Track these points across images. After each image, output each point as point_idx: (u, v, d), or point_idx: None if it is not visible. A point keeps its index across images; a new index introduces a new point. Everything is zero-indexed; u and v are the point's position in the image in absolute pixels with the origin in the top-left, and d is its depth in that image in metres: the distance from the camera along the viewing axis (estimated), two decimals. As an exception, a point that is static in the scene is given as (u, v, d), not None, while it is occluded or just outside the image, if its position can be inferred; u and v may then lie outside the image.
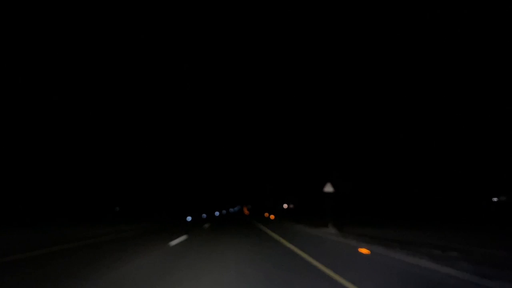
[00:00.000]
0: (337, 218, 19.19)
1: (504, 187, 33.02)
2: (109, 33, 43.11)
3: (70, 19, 34.29)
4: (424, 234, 13.49)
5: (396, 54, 34.64)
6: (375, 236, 12.41)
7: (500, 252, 7.98)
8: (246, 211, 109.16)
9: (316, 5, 42.44)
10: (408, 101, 33.70)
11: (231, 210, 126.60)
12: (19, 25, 29.65)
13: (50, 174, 31.75)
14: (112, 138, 39.73)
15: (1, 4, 26.58)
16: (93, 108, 36.25)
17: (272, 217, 42.19)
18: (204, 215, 54.97)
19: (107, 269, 6.02)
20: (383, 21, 35.27)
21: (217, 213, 73.17)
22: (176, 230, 17.00)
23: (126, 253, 8.16)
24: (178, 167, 63.46)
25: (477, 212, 30.49)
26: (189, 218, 38.32)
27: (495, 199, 36.55)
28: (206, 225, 21.77)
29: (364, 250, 8.92)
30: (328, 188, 15.83)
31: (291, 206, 76.84)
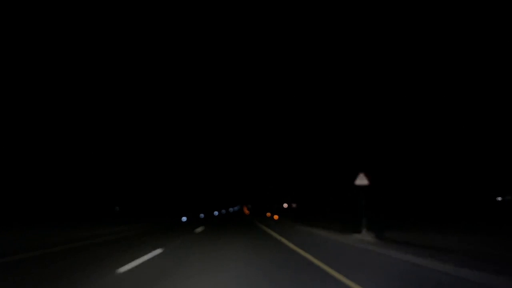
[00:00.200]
0: (354, 218, 15.01)
1: (508, 186, 32.35)
2: (109, 33, 42.72)
3: (70, 19, 33.92)
4: (474, 239, 10.00)
5: (410, 51, 33.24)
6: (428, 244, 8.33)
7: None
8: (246, 211, 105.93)
9: (316, 5, 41.75)
10: (411, 100, 32.81)
11: (231, 209, 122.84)
12: (19, 25, 29.24)
13: (49, 174, 31.10)
14: (112, 138, 39.23)
15: (1, 4, 26.15)
16: (93, 108, 35.86)
17: (276, 217, 37.95)
18: (201, 215, 51.39)
19: None
20: (382, 21, 34.47)
21: (216, 213, 70.14)
22: (157, 237, 12.77)
23: None
24: (178, 166, 62.07)
25: (492, 211, 27.67)
26: (184, 219, 34.44)
27: (499, 199, 36.46)
28: (199, 229, 17.31)
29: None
30: (362, 180, 11.49)
31: (294, 205, 73.39)
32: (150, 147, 48.32)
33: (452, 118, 30.58)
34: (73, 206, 33.11)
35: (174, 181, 61.09)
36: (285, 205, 73.12)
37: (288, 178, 69.99)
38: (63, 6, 31.39)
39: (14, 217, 22.41)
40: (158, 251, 8.42)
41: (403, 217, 25.85)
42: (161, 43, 59.69)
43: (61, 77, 32.20)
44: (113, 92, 39.10)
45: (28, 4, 28.75)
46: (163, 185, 55.63)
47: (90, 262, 6.88)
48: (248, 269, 5.92)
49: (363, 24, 38.92)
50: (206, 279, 5.02)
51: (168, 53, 60.86)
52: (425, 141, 32.50)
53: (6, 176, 26.75)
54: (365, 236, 10.93)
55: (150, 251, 8.32)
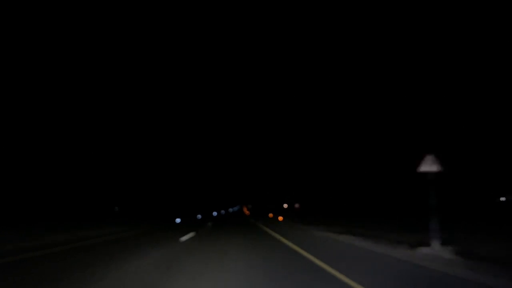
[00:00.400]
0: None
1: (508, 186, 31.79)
2: (109, 33, 42.60)
3: (71, 19, 33.71)
4: None
5: (406, 52, 33.24)
6: None
7: None
8: (246, 211, 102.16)
9: (316, 5, 42.10)
10: (414, 100, 32.38)
11: (230, 210, 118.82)
12: (19, 25, 28.91)
13: (48, 174, 30.48)
14: (111, 138, 38.74)
15: (1, 4, 25.87)
16: (93, 108, 35.48)
17: (280, 218, 33.88)
18: (199, 216, 47.35)
19: None
20: (383, 21, 34.66)
21: (215, 213, 66.45)
22: (122, 251, 8.66)
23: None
24: (177, 166, 60.95)
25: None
26: (178, 220, 30.53)
27: (503, 199, 36.03)
28: (187, 237, 13.07)
29: None
30: (429, 166, 7.38)
31: (297, 205, 69.51)
32: (149, 147, 47.69)
33: (457, 118, 30.16)
34: (71, 206, 32.05)
35: (173, 181, 59.41)
36: (285, 205, 69.98)
37: (289, 177, 67.39)
38: (63, 6, 31.33)
39: (13, 218, 21.14)
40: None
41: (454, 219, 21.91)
42: (161, 43, 59.55)
43: (61, 77, 31.95)
44: (113, 92, 38.95)
45: (28, 4, 28.48)
46: (162, 185, 54.15)
47: None
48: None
49: (363, 24, 39.31)
50: None
51: (168, 53, 60.76)
52: (427, 141, 31.46)
53: (6, 176, 26.16)
54: (440, 251, 6.86)
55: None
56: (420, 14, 31.28)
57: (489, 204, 32.36)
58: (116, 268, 6.02)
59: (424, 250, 7.19)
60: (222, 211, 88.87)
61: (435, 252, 6.90)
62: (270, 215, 51.45)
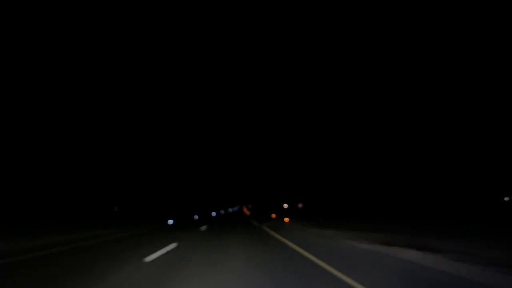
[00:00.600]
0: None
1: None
2: (109, 33, 42.26)
3: (71, 19, 33.47)
4: None
5: (406, 52, 32.75)
6: None
7: None
8: (246, 211, 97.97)
9: (316, 5, 41.66)
10: (415, 100, 31.66)
11: (230, 210, 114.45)
12: (19, 25, 28.64)
13: (48, 174, 29.67)
14: (111, 138, 38.26)
15: (1, 4, 25.92)
16: (93, 108, 35.08)
17: (286, 220, 29.51)
18: (196, 217, 43.03)
19: None
20: (382, 21, 34.25)
21: (213, 214, 62.53)
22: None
23: None
24: (176, 165, 60.11)
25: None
26: (170, 222, 26.99)
27: (506, 199, 35.61)
28: (157, 254, 8.48)
29: None
30: None
31: (300, 205, 65.55)
32: (149, 147, 47.01)
33: (460, 119, 29.29)
34: (70, 206, 31.03)
35: (173, 180, 58.26)
36: (285, 206, 67.39)
37: (290, 177, 65.53)
38: (63, 6, 31.19)
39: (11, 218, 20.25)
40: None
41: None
42: (161, 43, 58.99)
43: (61, 77, 31.52)
44: (113, 92, 38.63)
45: (28, 4, 28.26)
46: (162, 184, 53.11)
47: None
48: None
49: (363, 24, 38.86)
50: None
51: (168, 53, 60.29)
52: (432, 141, 30.93)
53: (5, 176, 25.52)
54: None
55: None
56: (420, 14, 31.71)
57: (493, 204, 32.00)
58: None
59: None
60: (222, 211, 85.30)
61: None
62: (273, 215, 47.14)
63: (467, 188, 31.43)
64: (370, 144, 38.01)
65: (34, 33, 29.07)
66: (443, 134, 30.09)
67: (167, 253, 8.05)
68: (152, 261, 6.86)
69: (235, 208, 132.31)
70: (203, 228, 18.13)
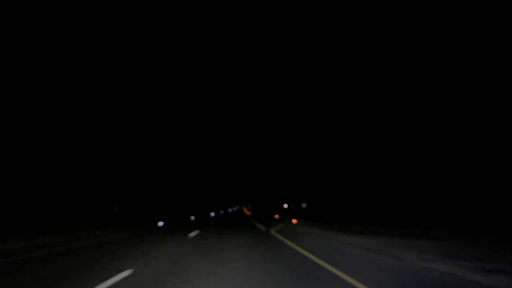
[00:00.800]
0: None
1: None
2: (109, 33, 41.76)
3: (71, 19, 33.22)
4: None
5: (406, 52, 32.30)
6: None
7: None
8: (246, 211, 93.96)
9: (316, 5, 40.89)
10: (416, 100, 30.96)
11: (230, 209, 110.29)
12: (19, 25, 28.30)
13: (48, 174, 28.87)
14: (111, 138, 37.59)
15: (1, 4, 25.65)
16: (93, 108, 34.53)
17: (294, 221, 25.31)
18: (192, 217, 39.14)
19: None
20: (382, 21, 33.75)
21: (212, 214, 59.10)
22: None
23: None
24: (177, 165, 58.84)
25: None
26: (160, 224, 23.58)
27: None
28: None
29: None
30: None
31: (304, 205, 61.45)
32: (149, 147, 46.08)
33: (461, 119, 28.55)
34: (69, 206, 29.97)
35: (172, 180, 56.81)
36: (285, 206, 65.17)
37: (291, 177, 63.83)
38: (63, 6, 30.78)
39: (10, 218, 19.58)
40: None
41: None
42: (161, 43, 58.51)
43: (61, 77, 31.13)
44: (113, 92, 37.99)
45: (28, 4, 27.91)
46: (161, 184, 51.75)
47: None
48: None
49: (362, 24, 38.16)
50: None
51: (168, 53, 58.99)
52: (435, 141, 30.30)
53: (5, 177, 24.90)
54: None
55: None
56: (419, 14, 30.77)
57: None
58: None
59: None
60: (221, 211, 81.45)
61: None
62: (276, 216, 42.99)
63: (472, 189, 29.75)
64: (371, 142, 37.62)
65: (34, 33, 28.87)
66: (445, 135, 29.79)
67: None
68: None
69: (235, 208, 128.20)
70: (193, 234, 13.80)
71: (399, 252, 7.67)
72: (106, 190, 36.95)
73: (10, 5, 26.19)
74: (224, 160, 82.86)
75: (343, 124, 42.35)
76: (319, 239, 11.58)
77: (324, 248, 9.22)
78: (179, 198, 61.14)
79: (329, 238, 11.83)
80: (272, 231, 15.34)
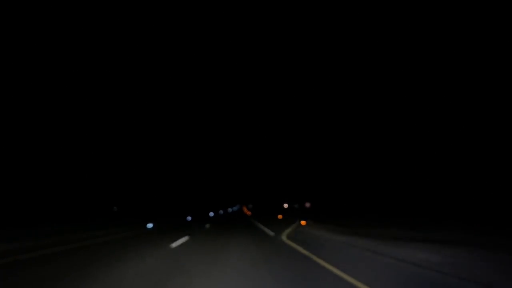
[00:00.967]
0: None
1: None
2: (109, 33, 41.36)
3: (71, 19, 33.01)
4: None
5: (406, 52, 32.32)
6: None
7: None
8: (246, 211, 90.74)
9: (316, 5, 40.47)
10: (418, 100, 30.77)
11: (230, 209, 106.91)
12: (19, 25, 27.76)
13: (48, 174, 28.13)
14: (111, 138, 37.27)
15: (1, 4, 25.40)
16: (93, 108, 34.36)
17: (303, 222, 21.79)
18: (189, 218, 35.95)
19: None
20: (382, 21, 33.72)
21: (211, 214, 56.27)
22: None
23: None
24: (176, 165, 57.84)
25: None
26: (150, 225, 21.17)
27: None
28: None
29: None
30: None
31: (308, 204, 58.20)
32: (148, 147, 45.60)
33: (464, 119, 28.22)
34: (68, 206, 29.46)
35: (171, 180, 55.92)
36: (285, 205, 63.84)
37: (291, 176, 62.55)
38: (63, 6, 30.59)
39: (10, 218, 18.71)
40: None
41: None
42: (161, 43, 57.29)
43: (60, 77, 31.00)
44: (113, 92, 37.81)
45: (28, 4, 27.78)
46: (160, 184, 50.99)
47: None
48: None
49: (362, 24, 37.32)
50: None
51: (168, 53, 58.49)
52: (436, 141, 30.00)
53: (4, 177, 24.53)
54: None
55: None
56: (419, 14, 30.43)
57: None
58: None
59: None
60: (221, 211, 78.23)
61: None
62: (280, 216, 39.49)
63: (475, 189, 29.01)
64: (373, 140, 36.84)
65: (34, 33, 28.53)
66: (447, 135, 29.04)
67: None
68: None
69: (235, 208, 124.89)
70: (179, 242, 10.05)
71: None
72: (106, 190, 36.55)
73: (10, 5, 26.06)
74: (224, 160, 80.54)
75: (344, 123, 41.93)
76: (360, 253, 7.88)
77: (393, 278, 5.51)
78: (179, 198, 58.66)
79: (372, 250, 8.12)
80: (285, 238, 11.62)
